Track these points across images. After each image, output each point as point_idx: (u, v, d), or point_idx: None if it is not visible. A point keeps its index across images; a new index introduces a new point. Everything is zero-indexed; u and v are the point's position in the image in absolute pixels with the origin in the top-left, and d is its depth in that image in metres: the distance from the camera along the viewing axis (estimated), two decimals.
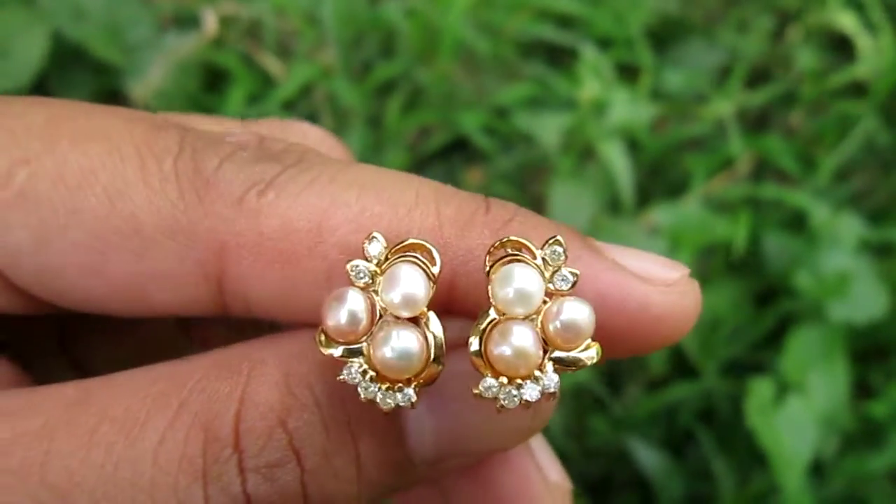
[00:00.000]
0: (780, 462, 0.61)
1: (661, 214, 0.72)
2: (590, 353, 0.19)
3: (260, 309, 0.22)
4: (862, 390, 0.69)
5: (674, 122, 0.84)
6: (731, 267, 0.73)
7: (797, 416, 0.64)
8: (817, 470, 0.65)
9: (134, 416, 0.20)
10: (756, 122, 0.86)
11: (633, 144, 0.79)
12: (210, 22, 0.79)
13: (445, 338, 0.20)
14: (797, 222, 0.75)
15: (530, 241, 0.20)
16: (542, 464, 0.26)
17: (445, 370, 0.20)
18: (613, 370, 0.72)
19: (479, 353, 0.19)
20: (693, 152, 0.81)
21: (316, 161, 0.22)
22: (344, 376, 0.19)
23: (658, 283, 0.21)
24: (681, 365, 0.70)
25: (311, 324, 0.21)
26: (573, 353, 0.19)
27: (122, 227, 0.21)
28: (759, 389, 0.64)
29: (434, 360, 0.19)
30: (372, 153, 0.77)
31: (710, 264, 0.74)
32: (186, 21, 0.80)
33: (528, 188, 0.79)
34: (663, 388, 0.69)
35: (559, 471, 0.26)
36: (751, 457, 0.66)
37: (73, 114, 0.22)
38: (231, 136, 0.23)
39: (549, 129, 0.77)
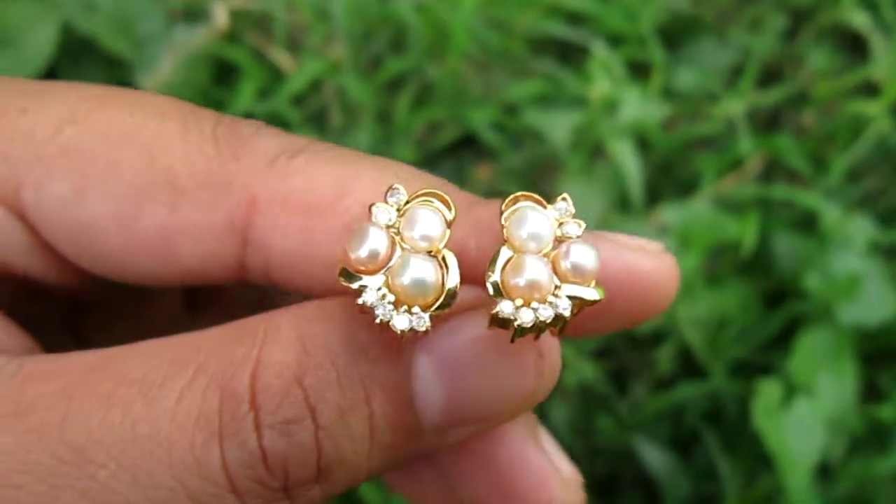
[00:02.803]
0: (786, 464, 0.61)
1: (671, 213, 0.72)
2: (593, 293, 0.21)
3: (279, 270, 0.24)
4: (870, 393, 0.69)
5: (684, 121, 0.84)
6: (741, 267, 0.73)
7: (804, 417, 0.64)
8: (824, 472, 0.65)
9: (151, 379, 0.21)
10: (767, 122, 0.85)
11: (643, 143, 0.78)
12: (220, 15, 0.79)
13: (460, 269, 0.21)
14: (808, 223, 0.74)
15: (540, 197, 0.22)
16: (555, 460, 0.27)
17: (453, 336, 0.22)
18: (620, 369, 0.72)
19: (495, 284, 0.21)
20: (703, 151, 0.81)
21: (336, 146, 0.25)
22: (363, 299, 0.21)
23: (643, 252, 0.25)
24: (688, 365, 0.70)
25: (326, 293, 0.23)
26: (581, 288, 0.21)
27: (159, 179, 0.23)
28: (767, 391, 0.64)
29: (449, 288, 0.21)
30: (381, 149, 0.77)
31: (720, 264, 0.73)
32: (196, 14, 0.80)
33: (537, 186, 0.79)
34: (670, 388, 0.69)
35: (570, 466, 0.28)
36: (757, 458, 0.66)
37: (123, 90, 0.25)
38: None
39: (558, 126, 0.77)
